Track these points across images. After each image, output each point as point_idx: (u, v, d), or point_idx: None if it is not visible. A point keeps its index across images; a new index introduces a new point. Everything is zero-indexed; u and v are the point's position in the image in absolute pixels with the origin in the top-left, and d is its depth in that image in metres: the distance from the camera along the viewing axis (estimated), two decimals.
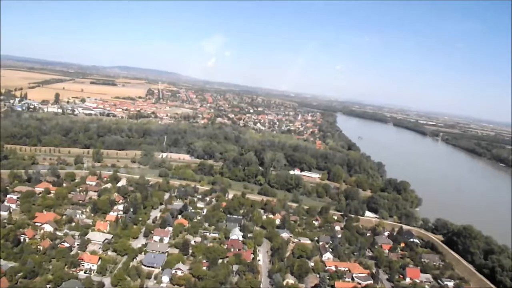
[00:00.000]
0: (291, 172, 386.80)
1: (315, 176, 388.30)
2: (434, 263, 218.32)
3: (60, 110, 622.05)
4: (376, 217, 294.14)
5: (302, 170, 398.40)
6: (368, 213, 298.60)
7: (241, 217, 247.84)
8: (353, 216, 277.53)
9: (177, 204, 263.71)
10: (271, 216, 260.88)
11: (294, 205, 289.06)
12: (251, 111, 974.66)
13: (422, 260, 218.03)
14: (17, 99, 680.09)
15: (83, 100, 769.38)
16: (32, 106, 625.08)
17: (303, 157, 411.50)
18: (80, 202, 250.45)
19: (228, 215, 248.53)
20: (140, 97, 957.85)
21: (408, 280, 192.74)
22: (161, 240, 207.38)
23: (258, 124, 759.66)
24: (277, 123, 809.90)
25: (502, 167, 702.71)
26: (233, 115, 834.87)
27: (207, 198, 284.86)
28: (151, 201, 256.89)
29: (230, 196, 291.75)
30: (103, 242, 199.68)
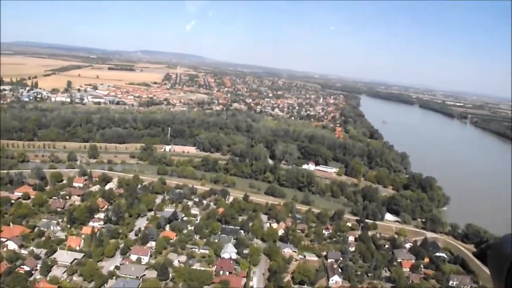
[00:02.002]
0: (305, 166, 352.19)
1: (331, 170, 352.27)
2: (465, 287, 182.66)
3: (69, 99, 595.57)
4: (397, 221, 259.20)
5: (317, 163, 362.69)
6: (388, 216, 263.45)
7: (238, 228, 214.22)
8: (370, 222, 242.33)
9: (168, 210, 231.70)
10: (275, 224, 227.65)
11: (304, 208, 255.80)
12: (270, 95, 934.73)
13: (450, 283, 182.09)
14: (27, 88, 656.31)
15: (95, 88, 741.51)
16: (39, 96, 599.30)
17: (319, 148, 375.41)
18: (59, 209, 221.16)
19: (224, 225, 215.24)
20: (155, 83, 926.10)
21: None
22: (138, 260, 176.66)
23: (276, 109, 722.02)
24: (297, 107, 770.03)
25: None
26: (250, 100, 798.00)
27: (205, 202, 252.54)
28: (137, 207, 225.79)
29: (232, 198, 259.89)
30: (71, 263, 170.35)
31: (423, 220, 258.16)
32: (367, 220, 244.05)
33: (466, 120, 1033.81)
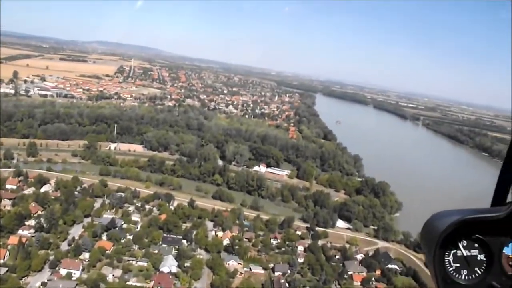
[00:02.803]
0: (256, 168, 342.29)
1: (282, 173, 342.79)
2: None
3: (13, 91, 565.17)
4: (348, 228, 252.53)
5: (269, 165, 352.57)
6: (340, 223, 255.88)
7: (181, 237, 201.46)
8: (321, 230, 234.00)
9: (107, 216, 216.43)
10: (220, 233, 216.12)
11: (253, 214, 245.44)
12: (225, 91, 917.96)
13: None
14: None
15: (42, 79, 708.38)
16: None
17: (271, 150, 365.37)
18: None
19: (165, 234, 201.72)
20: (107, 75, 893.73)
21: None
22: (69, 275, 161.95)
23: (231, 107, 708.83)
24: (251, 105, 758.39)
25: (486, 157, 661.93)
26: (205, 96, 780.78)
27: (148, 207, 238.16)
28: (73, 213, 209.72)
29: (177, 203, 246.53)
30: None
31: (375, 228, 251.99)
32: (317, 228, 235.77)
33: (419, 122, 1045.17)
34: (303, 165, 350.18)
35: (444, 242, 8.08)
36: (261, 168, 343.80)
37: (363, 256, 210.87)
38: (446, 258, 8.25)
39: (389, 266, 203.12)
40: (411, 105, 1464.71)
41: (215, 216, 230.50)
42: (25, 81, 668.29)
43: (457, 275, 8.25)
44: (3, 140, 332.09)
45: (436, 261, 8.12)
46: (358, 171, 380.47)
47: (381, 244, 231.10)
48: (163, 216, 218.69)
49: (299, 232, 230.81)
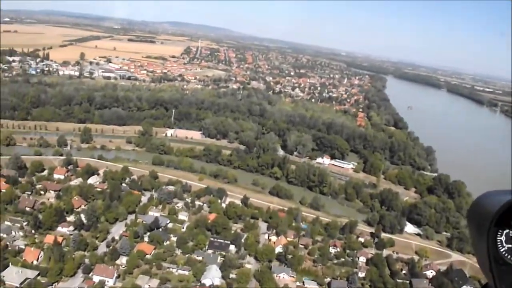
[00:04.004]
0: (319, 159, 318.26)
1: (347, 166, 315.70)
2: None
3: (78, 73, 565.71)
4: (418, 234, 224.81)
5: (333, 157, 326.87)
6: (409, 227, 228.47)
7: (229, 242, 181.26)
8: (387, 237, 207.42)
9: (152, 214, 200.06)
10: (274, 237, 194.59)
11: (312, 215, 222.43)
12: (292, 73, 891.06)
13: None
14: (38, 60, 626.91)
15: (108, 61, 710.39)
16: (48, 69, 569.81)
17: (336, 140, 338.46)
18: (28, 209, 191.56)
19: (212, 238, 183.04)
20: (173, 56, 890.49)
21: None
22: (101, 283, 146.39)
23: (297, 90, 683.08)
24: (319, 88, 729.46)
25: None
26: (270, 78, 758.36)
27: (197, 203, 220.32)
28: (116, 210, 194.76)
29: (230, 199, 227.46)
30: (20, 284, 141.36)
31: (449, 236, 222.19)
32: (383, 234, 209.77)
33: (496, 108, 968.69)
34: (370, 157, 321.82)
35: (498, 221, 7.88)
36: (325, 160, 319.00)
37: (434, 272, 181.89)
38: (498, 238, 8.04)
39: (464, 287, 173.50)
40: (487, 89, 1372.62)
41: (270, 217, 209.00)
42: (91, 63, 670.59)
43: (509, 256, 8.05)
44: (59, 125, 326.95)
45: (489, 240, 7.86)
46: (431, 165, 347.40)
47: (455, 256, 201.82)
48: (212, 216, 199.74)
49: (362, 239, 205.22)
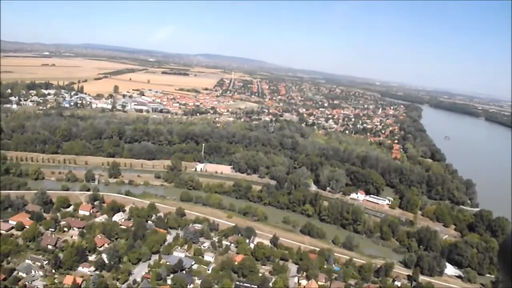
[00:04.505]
0: (353, 195, 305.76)
1: (383, 202, 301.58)
2: None
3: (110, 106, 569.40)
4: (459, 276, 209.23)
5: (368, 192, 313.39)
6: (449, 269, 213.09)
7: (256, 286, 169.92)
8: (425, 281, 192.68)
9: (177, 255, 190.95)
10: (304, 281, 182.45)
11: (345, 256, 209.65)
12: (326, 104, 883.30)
13: None
14: (72, 93, 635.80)
15: (141, 94, 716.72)
16: (81, 102, 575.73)
17: (371, 175, 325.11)
18: (50, 247, 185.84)
19: (238, 281, 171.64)
20: (206, 89, 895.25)
21: None
22: None
23: (330, 121, 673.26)
24: (353, 119, 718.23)
25: None
26: (304, 110, 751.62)
27: (225, 243, 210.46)
28: (139, 250, 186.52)
29: (258, 239, 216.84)
30: None
31: (493, 279, 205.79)
32: (421, 277, 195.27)
33: None
34: (406, 192, 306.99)
35: None
36: (359, 196, 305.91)
37: None
38: None
39: None
40: None
41: (300, 258, 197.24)
42: (124, 96, 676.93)
43: None
44: (89, 159, 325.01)
45: None
46: (471, 199, 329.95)
47: None
48: (240, 257, 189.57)
49: (398, 283, 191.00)
